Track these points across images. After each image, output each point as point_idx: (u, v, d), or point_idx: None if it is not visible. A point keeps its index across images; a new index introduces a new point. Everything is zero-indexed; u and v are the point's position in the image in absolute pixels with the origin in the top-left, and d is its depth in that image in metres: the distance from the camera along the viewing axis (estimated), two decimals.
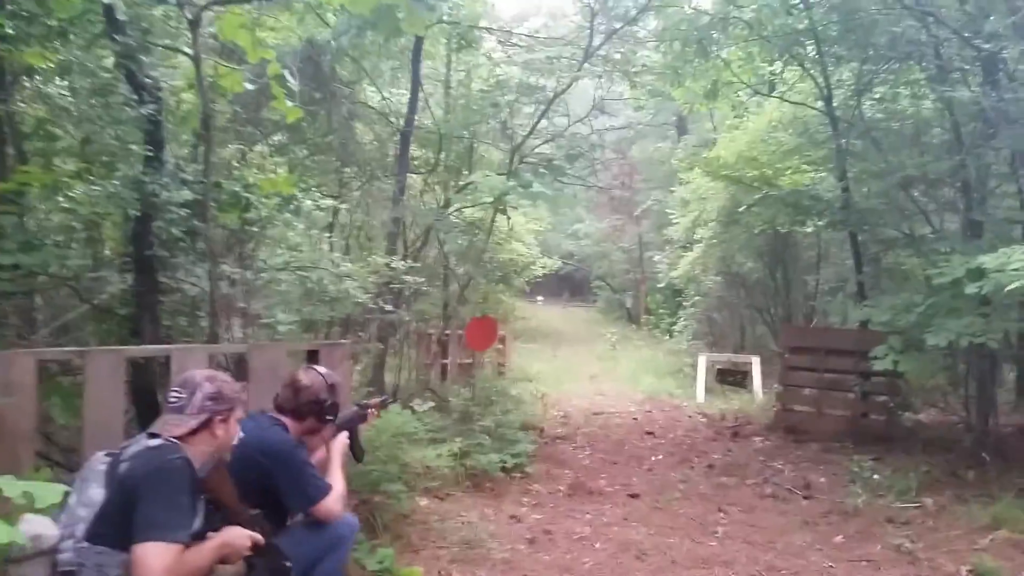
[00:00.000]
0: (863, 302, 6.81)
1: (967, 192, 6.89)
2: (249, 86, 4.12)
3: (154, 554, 2.03)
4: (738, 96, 11.11)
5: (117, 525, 2.11)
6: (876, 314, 6.06)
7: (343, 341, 3.85)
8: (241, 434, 2.52)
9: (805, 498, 5.78)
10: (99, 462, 2.29)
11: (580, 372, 14.02)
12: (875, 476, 5.96)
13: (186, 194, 3.87)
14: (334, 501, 2.87)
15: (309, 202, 4.21)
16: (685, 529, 5.02)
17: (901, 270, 7.45)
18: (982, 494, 5.59)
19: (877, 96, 7.79)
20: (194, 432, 2.33)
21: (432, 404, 5.68)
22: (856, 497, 5.48)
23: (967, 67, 6.45)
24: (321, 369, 3.11)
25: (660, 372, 13.50)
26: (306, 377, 3.00)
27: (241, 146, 5.03)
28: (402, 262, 5.29)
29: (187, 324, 4.92)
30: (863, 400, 7.94)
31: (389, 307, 5.17)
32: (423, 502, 5.02)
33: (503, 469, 5.86)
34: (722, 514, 5.37)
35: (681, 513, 5.38)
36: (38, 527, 2.12)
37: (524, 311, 23.76)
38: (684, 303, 14.92)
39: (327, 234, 8.26)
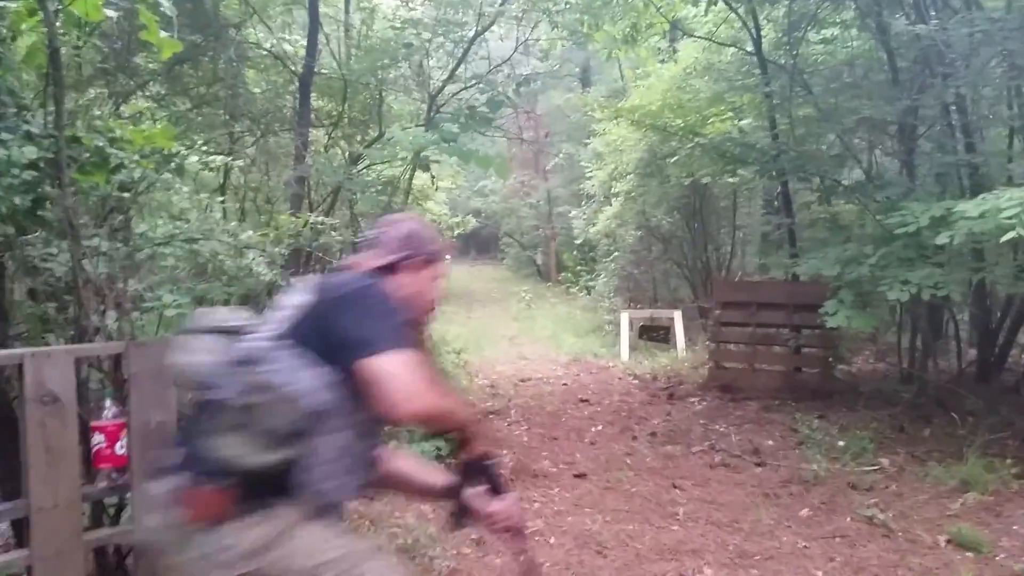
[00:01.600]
0: (806, 255, 6.51)
1: (904, 136, 6.68)
2: (111, 13, 3.23)
3: (399, 361, 1.65)
4: (657, 40, 10.65)
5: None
6: (823, 266, 5.74)
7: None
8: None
9: (758, 465, 5.47)
10: None
11: (498, 334, 13.54)
12: (826, 437, 5.75)
13: (31, 151, 2.99)
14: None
15: (194, 159, 3.40)
16: (643, 513, 4.59)
17: (834, 219, 7.20)
18: (935, 451, 5.44)
19: (809, 37, 7.44)
20: (386, 270, 1.96)
21: None
22: (813, 463, 5.20)
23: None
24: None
25: (580, 331, 13.18)
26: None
27: (104, 92, 4.08)
28: (319, 220, 4.49)
29: (56, 313, 4.04)
30: (796, 354, 7.78)
31: (293, 279, 4.41)
32: (350, 504, 4.37)
33: (438, 457, 5.25)
34: (678, 491, 4.97)
35: (635, 492, 4.94)
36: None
37: None
38: (603, 259, 14.58)
39: (219, 198, 7.34)
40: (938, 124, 6.78)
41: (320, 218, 4.11)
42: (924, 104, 6.09)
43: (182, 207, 5.71)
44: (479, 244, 31.64)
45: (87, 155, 3.06)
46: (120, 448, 2.86)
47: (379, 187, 6.02)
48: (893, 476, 5.04)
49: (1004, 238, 3.76)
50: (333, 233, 4.28)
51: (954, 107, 6.43)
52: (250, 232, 3.56)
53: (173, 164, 3.16)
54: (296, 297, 1.90)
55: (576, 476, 5.29)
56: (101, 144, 2.97)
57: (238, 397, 1.71)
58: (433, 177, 6.02)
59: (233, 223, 3.56)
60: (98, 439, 2.81)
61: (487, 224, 27.05)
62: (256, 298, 5.73)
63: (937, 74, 6.30)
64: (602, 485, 5.08)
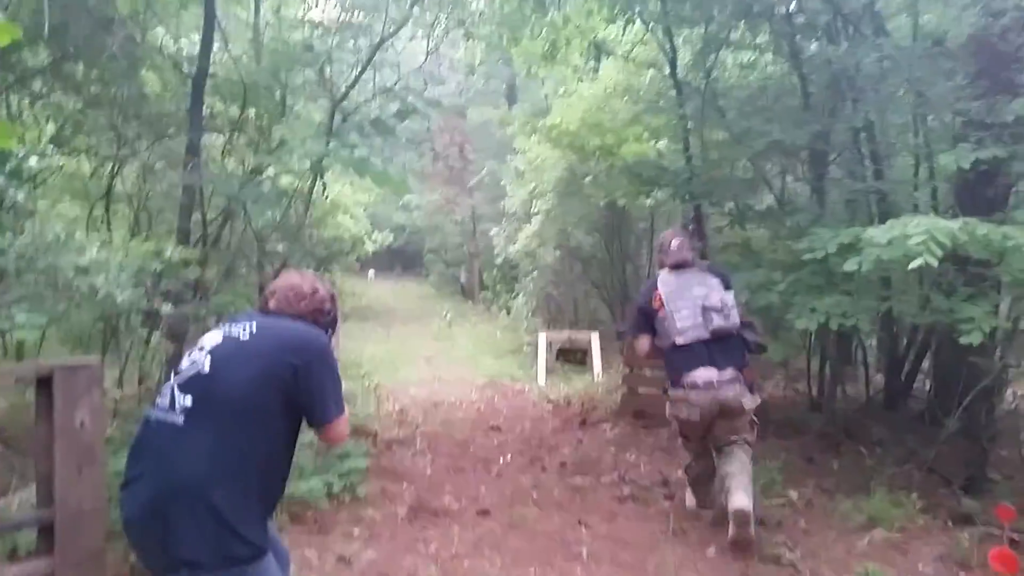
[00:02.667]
0: None
1: (815, 162, 6.68)
2: None
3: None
4: (577, 59, 10.53)
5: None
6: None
7: (88, 360, 2.68)
8: (246, 326, 2.34)
9: (667, 498, 5.27)
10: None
11: (416, 354, 13.13)
12: None
13: None
14: (346, 420, 2.46)
15: (34, 159, 2.95)
16: (545, 553, 4.30)
17: (745, 244, 7.16)
18: (844, 483, 5.35)
19: (724, 60, 7.41)
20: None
21: None
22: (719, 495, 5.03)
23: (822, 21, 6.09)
24: (317, 277, 2.68)
25: (499, 351, 12.91)
26: (306, 282, 2.57)
27: None
28: (188, 248, 4.02)
29: None
30: None
31: (165, 306, 3.95)
32: None
33: (329, 495, 4.85)
34: (584, 528, 4.71)
35: (539, 531, 4.66)
36: None
37: (354, 288, 22.44)
38: (523, 278, 14.38)
39: (103, 206, 6.76)
40: (847, 150, 6.83)
41: (171, 250, 3.66)
42: (834, 129, 6.09)
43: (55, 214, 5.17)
44: (405, 260, 31.09)
45: None
46: None
47: (274, 197, 5.57)
48: (801, 511, 4.92)
49: (912, 265, 3.66)
50: (184, 270, 3.78)
51: (863, 134, 6.46)
52: (95, 250, 3.11)
53: (9, 165, 2.71)
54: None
55: (479, 513, 4.97)
56: None
57: None
58: (324, 187, 5.61)
59: (78, 235, 3.11)
60: None
61: (411, 240, 26.59)
62: (119, 323, 5.21)
63: (847, 99, 6.35)
64: (506, 523, 4.78)
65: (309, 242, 6.26)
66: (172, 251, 3.60)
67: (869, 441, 6.17)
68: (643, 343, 4.74)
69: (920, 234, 3.65)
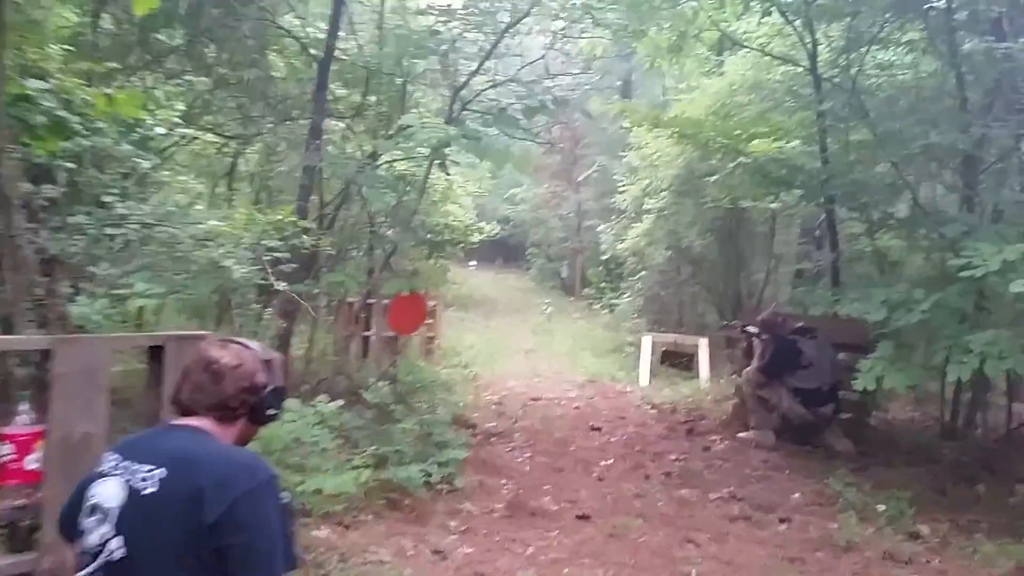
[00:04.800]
0: (847, 293, 5.93)
1: (970, 168, 6.08)
2: None
3: None
4: (704, 53, 10.11)
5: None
6: (867, 309, 5.15)
7: (200, 333, 2.65)
8: (151, 471, 1.63)
9: (782, 521, 4.91)
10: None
11: (514, 346, 13.05)
12: (860, 495, 5.16)
13: None
14: None
15: (161, 130, 2.96)
16: (650, 570, 4.07)
17: (882, 255, 6.63)
18: (984, 521, 4.83)
19: (872, 57, 6.86)
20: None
21: (341, 402, 4.53)
22: (845, 525, 4.64)
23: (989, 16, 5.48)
24: (245, 341, 1.94)
25: (599, 350, 12.64)
26: (227, 354, 1.86)
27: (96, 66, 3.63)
28: (307, 223, 4.01)
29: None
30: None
31: (280, 283, 3.95)
32: (321, 533, 3.91)
33: (427, 483, 4.78)
34: (692, 546, 4.43)
35: (642, 543, 4.42)
36: None
37: (457, 277, 22.65)
38: (629, 277, 14.03)
39: (225, 184, 6.96)
40: (1007, 157, 6.20)
41: (292, 218, 3.60)
42: (994, 134, 5.49)
43: (179, 185, 5.33)
44: (506, 252, 31.08)
45: (40, 118, 2.65)
46: (32, 462, 2.43)
47: (391, 182, 5.55)
48: (935, 548, 4.46)
49: None
50: (305, 237, 3.71)
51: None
52: (216, 221, 3.10)
53: (136, 134, 2.72)
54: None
55: (579, 518, 4.78)
56: (52, 105, 2.56)
57: None
58: (448, 175, 5.54)
59: (199, 208, 3.12)
60: (5, 450, 2.38)
61: (515, 233, 26.57)
62: (234, 297, 5.29)
63: (1012, 102, 5.74)
64: (607, 531, 4.56)
65: (421, 229, 6.21)
66: (289, 223, 3.55)
67: (1012, 476, 5.59)
68: None
69: None
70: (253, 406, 1.83)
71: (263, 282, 3.38)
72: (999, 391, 7.00)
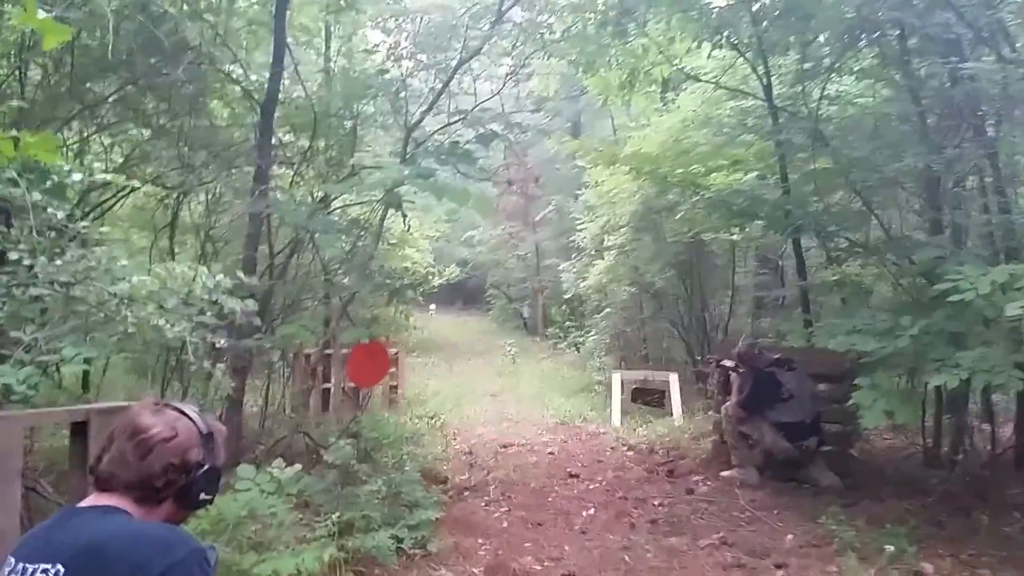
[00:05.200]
0: (824, 321, 5.77)
1: (933, 192, 6.03)
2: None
3: None
4: (655, 89, 10.10)
5: None
6: (855, 340, 4.97)
7: (126, 404, 2.30)
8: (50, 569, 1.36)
9: (778, 567, 4.61)
10: None
11: (480, 390, 12.71)
12: (855, 534, 4.91)
13: None
14: None
15: (77, 176, 2.63)
16: None
17: (853, 283, 6.51)
18: (986, 555, 4.62)
19: (827, 86, 6.83)
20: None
21: (298, 467, 4.13)
22: (846, 570, 4.37)
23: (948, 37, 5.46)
24: (187, 408, 1.65)
25: (568, 390, 12.36)
26: (159, 423, 1.57)
27: None
28: (249, 278, 3.65)
29: None
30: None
31: (220, 339, 3.58)
32: None
33: (399, 549, 4.38)
34: None
35: None
36: None
37: (418, 321, 22.24)
38: (593, 315, 13.86)
39: (167, 237, 6.57)
40: (969, 179, 6.17)
41: (219, 276, 3.26)
42: (964, 154, 5.43)
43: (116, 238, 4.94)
44: (466, 294, 30.81)
45: None
46: None
47: (343, 227, 5.24)
48: None
49: None
50: (232, 301, 3.31)
51: (987, 161, 5.81)
52: (139, 278, 2.75)
53: (49, 182, 2.39)
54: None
55: None
56: None
57: None
58: (405, 216, 5.26)
59: (123, 263, 2.77)
60: None
61: (473, 275, 26.36)
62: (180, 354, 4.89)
63: (968, 124, 5.72)
64: None
65: (379, 274, 5.90)
66: (222, 279, 3.21)
67: (1005, 504, 5.41)
68: None
69: None
70: (181, 488, 1.56)
71: (195, 341, 3.02)
72: (975, 415, 6.89)
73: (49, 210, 2.43)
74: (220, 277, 3.19)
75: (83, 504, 1.53)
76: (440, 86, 5.78)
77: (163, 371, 6.19)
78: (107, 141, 6.81)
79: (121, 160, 6.93)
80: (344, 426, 5.58)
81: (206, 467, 1.59)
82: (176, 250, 7.38)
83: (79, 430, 2.27)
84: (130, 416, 1.59)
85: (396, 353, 10.73)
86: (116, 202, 6.82)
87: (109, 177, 2.93)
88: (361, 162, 4.65)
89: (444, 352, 18.28)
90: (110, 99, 6.30)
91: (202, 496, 1.60)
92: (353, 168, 5.19)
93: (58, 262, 2.52)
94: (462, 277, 26.30)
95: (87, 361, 3.64)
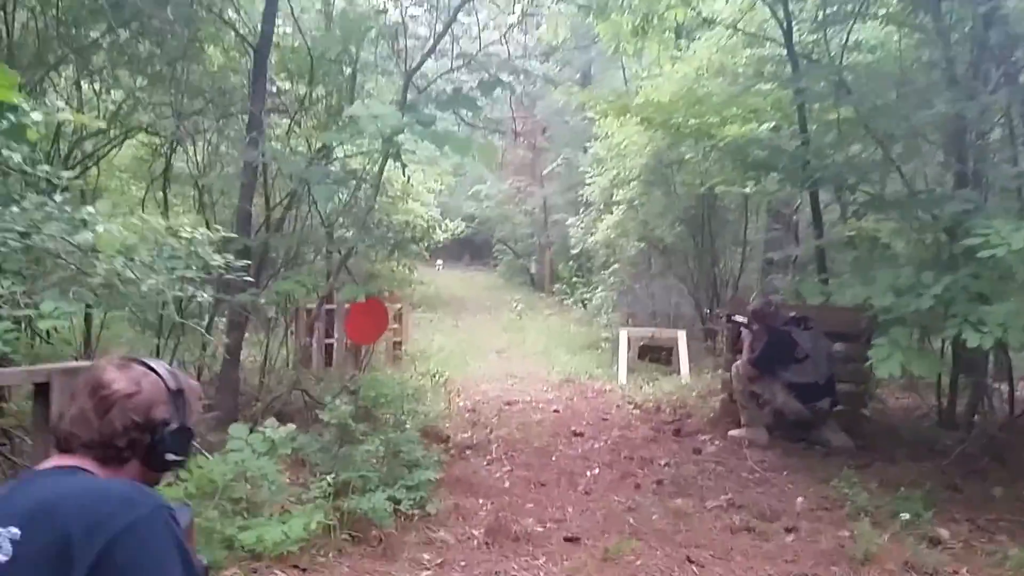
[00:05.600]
0: (841, 278, 5.55)
1: (959, 143, 5.73)
2: None
3: None
4: (669, 35, 9.70)
5: None
6: (873, 294, 4.75)
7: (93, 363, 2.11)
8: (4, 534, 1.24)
9: (788, 531, 4.47)
10: None
11: (486, 346, 12.60)
12: (868, 497, 4.77)
13: None
14: None
15: (37, 116, 2.41)
16: None
17: (872, 239, 6.25)
18: (1004, 520, 4.48)
19: (848, 31, 6.47)
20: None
21: (293, 426, 3.98)
22: (858, 533, 4.22)
23: None
24: (155, 363, 1.54)
25: (574, 346, 12.22)
26: (121, 378, 1.46)
27: None
28: (207, 230, 3.42)
29: None
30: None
31: (204, 294, 3.39)
32: None
33: (396, 511, 4.26)
34: (694, 567, 3.97)
35: (641, 567, 3.94)
36: None
37: (423, 276, 22.09)
38: (601, 270, 13.63)
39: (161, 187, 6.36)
40: (994, 131, 5.87)
41: (201, 229, 3.06)
42: (992, 102, 5.13)
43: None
44: (473, 249, 30.60)
45: None
46: None
47: (340, 178, 5.00)
48: (959, 555, 4.06)
49: None
50: (212, 254, 3.12)
51: (1014, 110, 5.51)
52: (104, 227, 2.54)
53: (6, 123, 2.18)
54: None
55: (567, 540, 4.30)
56: None
57: None
58: (404, 167, 5.02)
59: (88, 210, 2.56)
60: None
61: (480, 230, 26.09)
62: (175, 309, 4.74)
63: (1002, 69, 5.41)
64: (599, 555, 4.08)
65: (379, 228, 5.70)
66: (203, 232, 3.01)
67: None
68: None
69: None
70: (147, 448, 1.45)
71: (179, 295, 2.85)
72: (991, 375, 6.70)
73: (4, 152, 2.23)
74: (202, 230, 2.98)
75: (44, 466, 1.42)
76: (441, 29, 5.47)
77: (158, 327, 6.03)
78: (99, 87, 6.57)
79: (114, 108, 6.71)
80: (342, 384, 5.43)
81: (174, 426, 1.48)
82: (175, 202, 7.19)
83: (41, 391, 2.10)
84: (93, 372, 1.48)
85: (400, 309, 10.59)
86: (108, 151, 6.60)
87: (98, 124, 2.70)
88: (357, 110, 4.38)
89: (450, 307, 18.17)
90: (101, 43, 6.04)
91: (170, 457, 1.48)
92: (351, 117, 4.93)
93: (15, 209, 2.32)
94: (469, 232, 26.09)
95: (57, 318, 3.45)
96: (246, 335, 6.50)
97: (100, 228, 2.48)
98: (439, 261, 26.78)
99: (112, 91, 6.46)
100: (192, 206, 7.07)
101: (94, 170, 7.34)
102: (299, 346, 7.42)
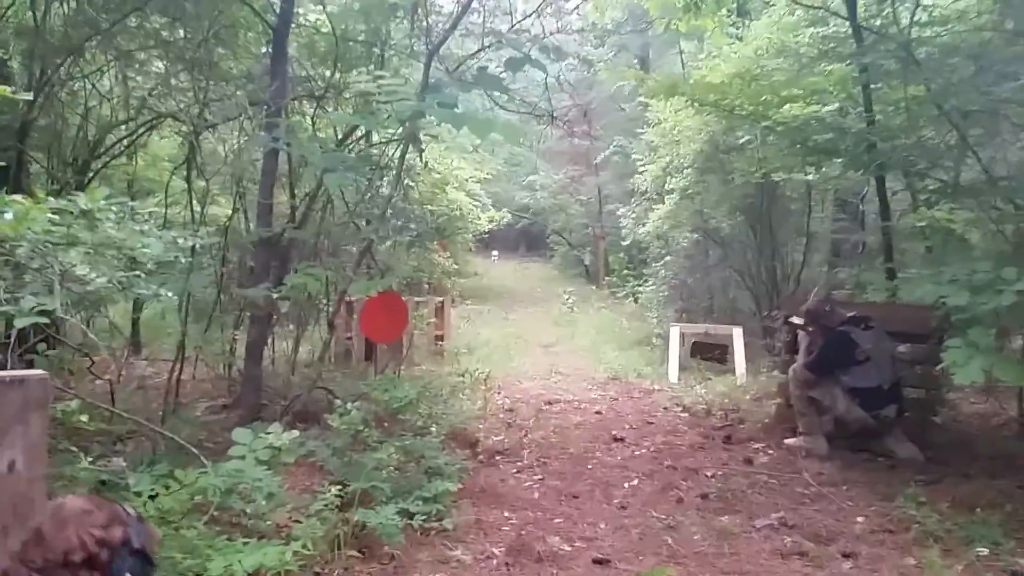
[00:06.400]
0: (909, 271, 4.98)
1: None
2: None
3: None
4: (725, 13, 9.13)
5: None
6: (946, 292, 4.19)
7: (29, 373, 1.83)
8: None
9: (846, 556, 3.99)
10: None
11: (533, 340, 12.25)
12: (938, 520, 4.23)
13: None
14: None
15: None
16: None
17: (947, 230, 5.64)
18: None
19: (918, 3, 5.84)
20: None
21: (295, 433, 3.69)
22: (925, 562, 3.71)
23: None
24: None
25: (624, 342, 11.75)
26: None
27: None
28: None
29: None
30: None
31: (166, 293, 3.12)
32: None
33: (408, 525, 3.94)
34: None
35: None
36: None
37: (476, 267, 21.88)
38: (653, 263, 13.09)
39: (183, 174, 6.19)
40: None
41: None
42: None
43: None
44: (530, 240, 30.37)
45: None
46: None
47: (354, 163, 4.68)
48: None
49: None
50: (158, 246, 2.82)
51: None
52: (50, 217, 2.27)
53: None
54: None
55: (596, 562, 3.91)
56: None
57: None
58: (422, 151, 4.67)
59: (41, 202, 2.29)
60: None
61: (537, 220, 25.71)
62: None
63: None
64: None
65: (399, 219, 5.38)
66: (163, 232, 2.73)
67: None
68: None
69: None
70: None
71: (144, 292, 2.57)
72: None
73: None
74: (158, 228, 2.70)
75: None
76: (465, 2, 5.08)
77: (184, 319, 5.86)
78: (129, 74, 6.45)
79: (144, 94, 6.59)
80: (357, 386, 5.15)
81: None
82: (216, 191, 7.02)
83: None
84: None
85: (441, 301, 10.32)
86: (137, 137, 6.48)
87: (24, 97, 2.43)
88: (369, 88, 4.04)
89: (501, 299, 17.88)
90: (128, 24, 5.89)
91: None
92: (369, 100, 4.62)
93: None
94: (525, 222, 25.75)
95: (40, 315, 3.21)
96: (282, 328, 6.33)
97: (8, 215, 2.22)
98: (494, 252, 26.57)
99: (140, 77, 6.33)
100: (230, 196, 6.92)
101: (137, 159, 7.27)
102: (337, 340, 7.19)
